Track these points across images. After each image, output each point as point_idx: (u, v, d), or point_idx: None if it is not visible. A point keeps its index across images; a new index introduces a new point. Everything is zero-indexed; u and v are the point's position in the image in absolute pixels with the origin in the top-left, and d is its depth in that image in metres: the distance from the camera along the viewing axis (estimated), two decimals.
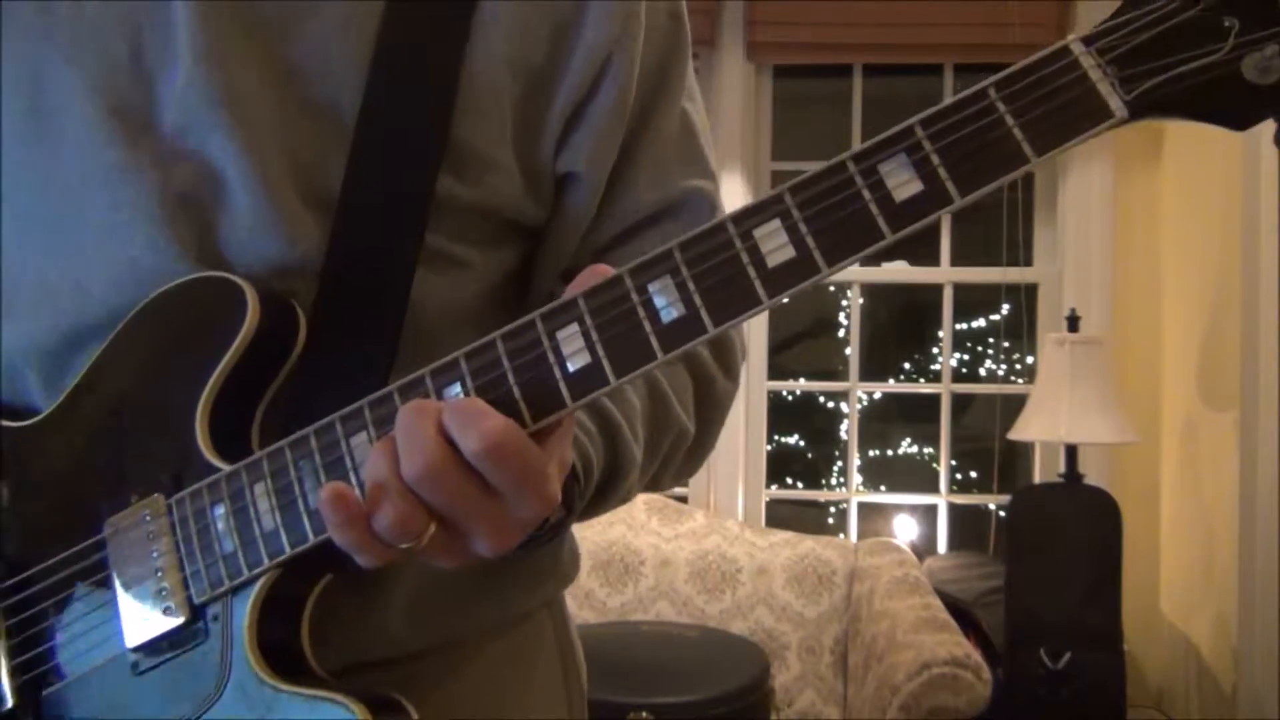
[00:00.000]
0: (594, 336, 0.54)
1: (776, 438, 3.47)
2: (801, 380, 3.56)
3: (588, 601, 2.84)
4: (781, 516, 3.32)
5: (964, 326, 3.44)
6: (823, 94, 3.46)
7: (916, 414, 3.50)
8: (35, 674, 0.66)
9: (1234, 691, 2.51)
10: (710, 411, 0.78)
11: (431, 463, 0.52)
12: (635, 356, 0.54)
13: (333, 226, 0.67)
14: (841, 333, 3.45)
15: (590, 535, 2.89)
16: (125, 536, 0.64)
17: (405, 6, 0.69)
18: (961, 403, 3.35)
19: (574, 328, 0.55)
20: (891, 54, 3.19)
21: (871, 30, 3.08)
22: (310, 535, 0.59)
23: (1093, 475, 2.78)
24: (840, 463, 3.47)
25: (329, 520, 0.55)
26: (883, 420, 3.59)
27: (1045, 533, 2.61)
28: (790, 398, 3.60)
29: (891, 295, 3.58)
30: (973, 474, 3.41)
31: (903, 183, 0.51)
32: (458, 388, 0.56)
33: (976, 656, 2.15)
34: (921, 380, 3.47)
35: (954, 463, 3.27)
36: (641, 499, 2.99)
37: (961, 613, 2.61)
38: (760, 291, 0.52)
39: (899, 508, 3.34)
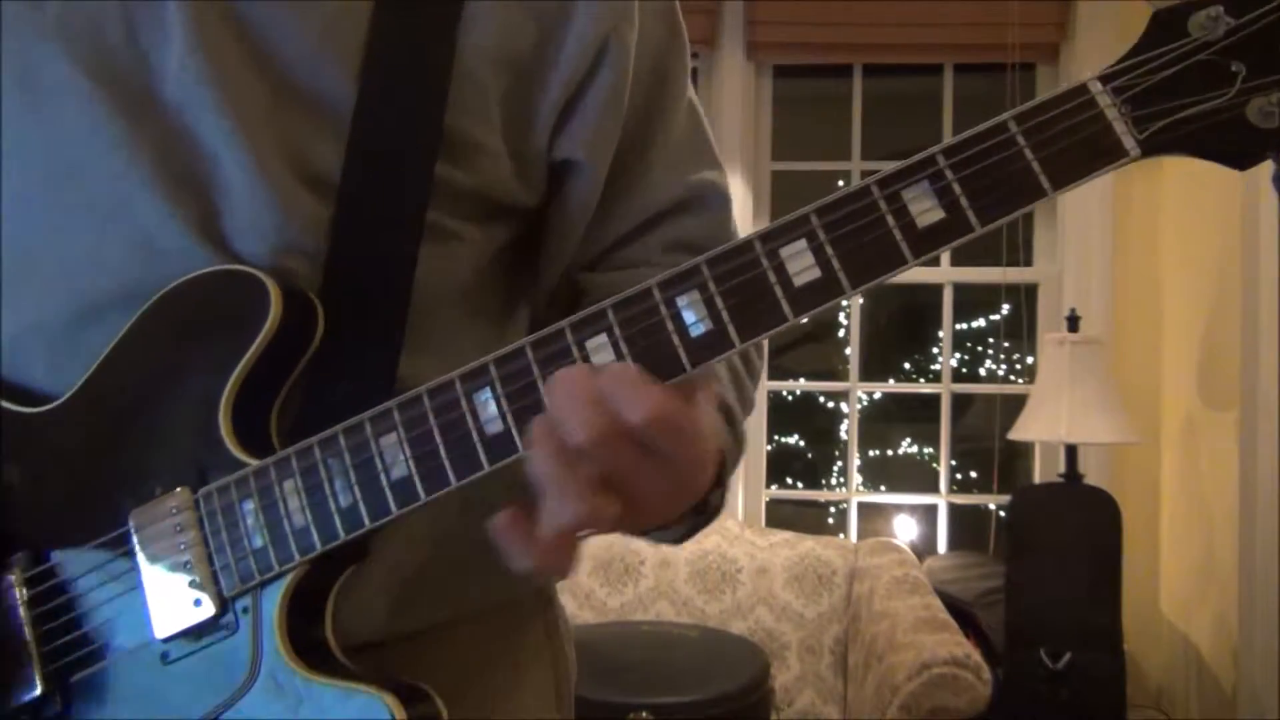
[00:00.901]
0: (623, 348, 0.55)
1: (776, 438, 3.47)
2: (801, 380, 3.56)
3: (588, 601, 2.84)
4: (781, 516, 3.32)
5: (964, 326, 3.44)
6: (823, 94, 3.46)
7: (916, 414, 3.50)
8: (64, 662, 0.67)
9: (1234, 691, 2.51)
10: (754, 380, 0.81)
11: (597, 430, 0.53)
12: (663, 368, 0.55)
13: (334, 216, 0.68)
14: (841, 333, 3.45)
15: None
16: (152, 529, 0.65)
17: (395, 2, 0.70)
18: (961, 403, 3.35)
19: (603, 338, 0.56)
20: (891, 54, 3.19)
21: (871, 30, 3.08)
22: (341, 533, 0.60)
23: (1093, 475, 2.78)
24: (840, 463, 3.47)
25: (509, 547, 0.56)
26: (883, 420, 3.59)
27: (1045, 533, 2.61)
28: (790, 398, 3.60)
29: (891, 295, 3.58)
30: (973, 474, 3.42)
31: (925, 210, 0.52)
32: (488, 393, 0.57)
33: (976, 656, 2.15)
34: (921, 380, 3.47)
35: (954, 463, 3.27)
36: None
37: (961, 613, 2.62)
38: (786, 309, 0.54)
39: (899, 508, 3.34)
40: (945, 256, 3.22)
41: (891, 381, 3.53)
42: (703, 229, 0.79)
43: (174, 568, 0.64)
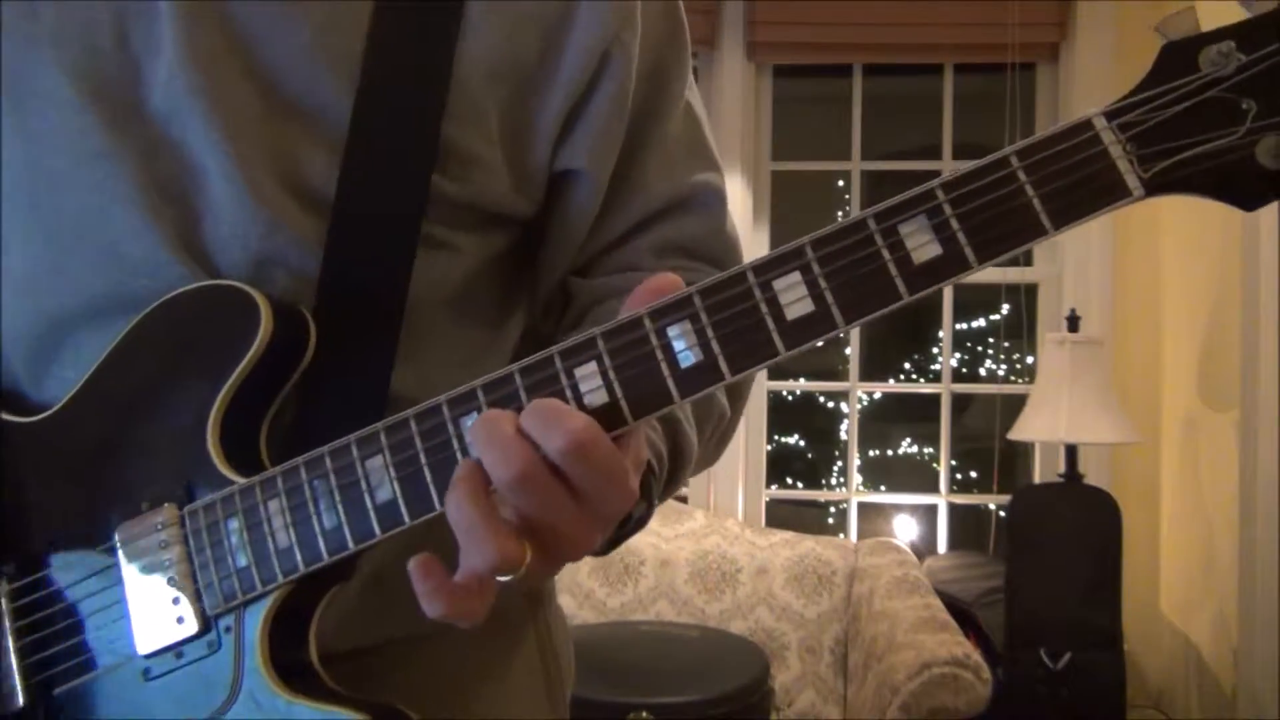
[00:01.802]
0: (611, 376, 0.55)
1: (776, 438, 3.47)
2: (801, 380, 3.56)
3: (588, 601, 2.84)
4: (781, 516, 3.32)
5: (964, 326, 3.44)
6: (823, 94, 3.46)
7: (916, 414, 3.50)
8: (46, 675, 0.67)
9: (1234, 691, 2.50)
10: (739, 392, 0.79)
11: (525, 468, 0.52)
12: (652, 399, 0.54)
13: (329, 230, 0.68)
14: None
15: None
16: (137, 544, 0.65)
17: (393, 11, 0.69)
18: (961, 403, 3.35)
19: (592, 366, 0.55)
20: (891, 54, 3.19)
21: (871, 30, 3.08)
22: (325, 554, 0.60)
23: (1093, 475, 2.78)
24: (840, 463, 3.47)
25: (421, 593, 0.54)
26: (883, 420, 3.59)
27: (1045, 533, 2.61)
28: (790, 398, 3.60)
29: None
30: (973, 474, 3.42)
31: (922, 244, 0.51)
32: (474, 418, 0.56)
33: (976, 656, 2.15)
34: (921, 380, 3.47)
35: (954, 463, 3.27)
36: None
37: (961, 613, 2.61)
38: (778, 343, 0.53)
39: (899, 508, 3.34)
40: None
41: (891, 381, 3.53)
42: (696, 230, 0.78)
43: (158, 584, 0.64)
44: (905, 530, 3.31)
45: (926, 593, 2.53)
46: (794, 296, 0.53)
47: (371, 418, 0.60)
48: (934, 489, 3.27)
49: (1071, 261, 3.09)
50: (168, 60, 0.67)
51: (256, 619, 0.62)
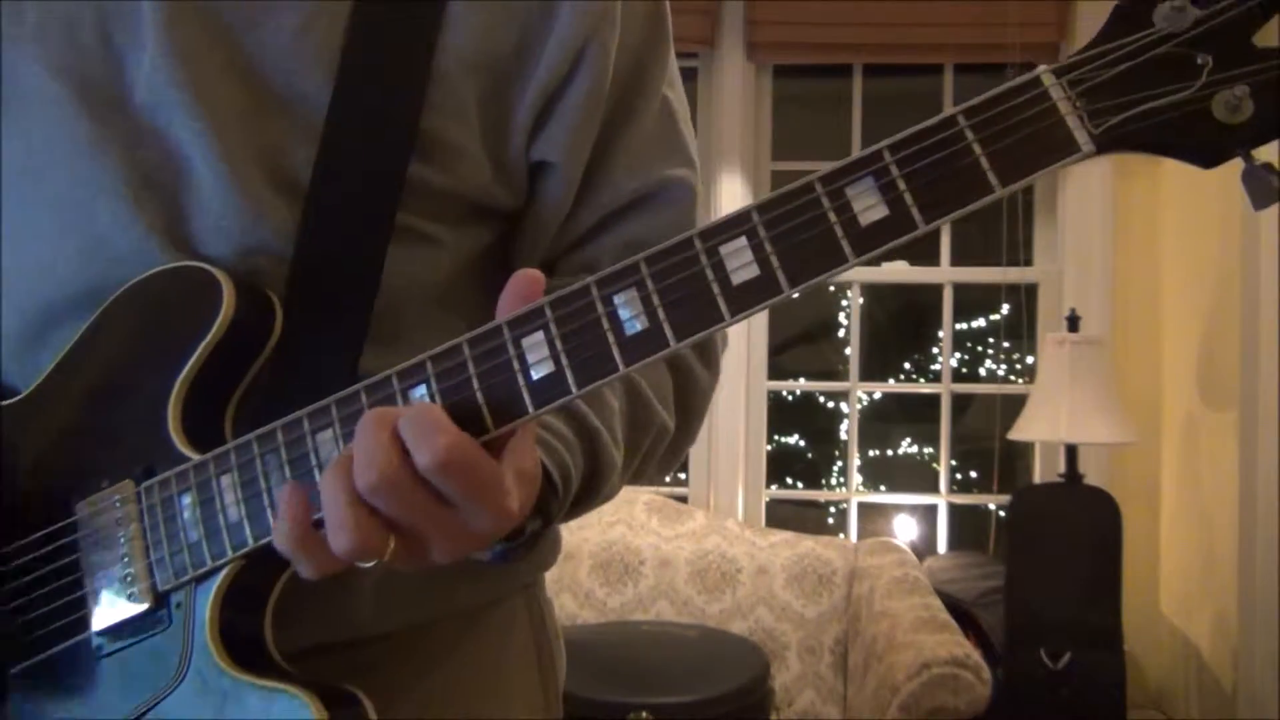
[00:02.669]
0: (558, 345, 0.55)
1: (776, 438, 3.47)
2: (801, 380, 3.56)
3: (588, 601, 2.84)
4: (781, 516, 3.32)
5: (964, 326, 3.44)
6: (823, 94, 3.46)
7: (916, 414, 3.50)
8: (3, 650, 0.67)
9: (1234, 691, 2.50)
10: (691, 404, 0.78)
11: (386, 475, 0.53)
12: (597, 367, 0.54)
13: (303, 216, 0.68)
14: (841, 333, 3.45)
15: (590, 535, 2.89)
16: (95, 521, 0.65)
17: (374, 4, 0.70)
18: (961, 403, 3.34)
19: (539, 335, 0.55)
20: (891, 54, 3.19)
21: (871, 30, 3.08)
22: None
23: (1093, 475, 2.78)
24: (840, 463, 3.47)
25: (278, 516, 0.56)
26: (883, 420, 3.59)
27: (1045, 533, 2.61)
28: (790, 398, 3.60)
29: (891, 295, 3.58)
30: (973, 474, 3.42)
31: (869, 207, 0.51)
32: (423, 390, 0.57)
33: (976, 656, 2.15)
34: (921, 380, 3.47)
35: (954, 463, 3.27)
36: (642, 499, 2.99)
37: (961, 613, 2.61)
38: (724, 309, 0.52)
39: (899, 508, 3.34)
40: (945, 256, 3.22)
41: (891, 381, 3.52)
42: (661, 225, 0.77)
43: (113, 560, 0.64)
44: (905, 530, 3.31)
45: (926, 593, 2.53)
46: (739, 261, 0.52)
47: None
48: (934, 489, 3.27)
49: (1071, 261, 3.09)
50: (150, 54, 0.67)
51: (207, 596, 0.62)
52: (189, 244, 0.68)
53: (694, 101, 3.09)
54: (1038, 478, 3.16)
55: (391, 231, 0.69)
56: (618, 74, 0.75)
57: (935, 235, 3.21)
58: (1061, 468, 2.66)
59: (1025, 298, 3.14)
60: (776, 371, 3.37)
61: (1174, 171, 2.99)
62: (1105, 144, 0.49)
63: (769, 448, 3.32)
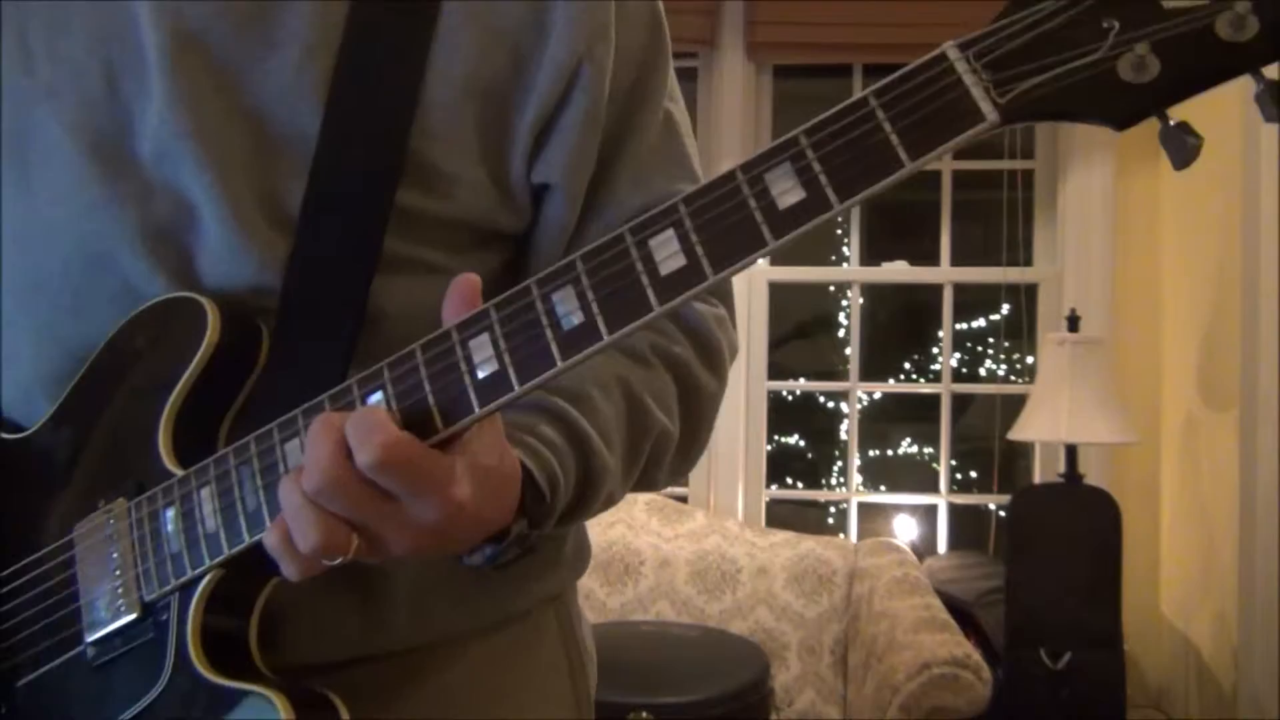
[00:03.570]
0: (501, 345, 0.56)
1: (776, 438, 3.47)
2: (801, 380, 3.56)
3: (588, 601, 2.84)
4: (781, 516, 3.32)
5: (964, 326, 3.44)
6: (823, 94, 3.46)
7: (916, 414, 3.50)
8: (8, 666, 0.70)
9: (1234, 691, 2.51)
10: (697, 411, 0.79)
11: (328, 477, 0.55)
12: (537, 364, 0.56)
13: (291, 244, 0.69)
14: (841, 333, 3.45)
15: (590, 535, 2.89)
16: (90, 539, 0.68)
17: (363, 33, 0.70)
18: (961, 403, 3.35)
19: (485, 336, 0.57)
20: (891, 54, 3.18)
21: (871, 30, 3.08)
22: (246, 536, 0.62)
23: (1093, 475, 2.78)
24: (840, 463, 3.47)
25: (270, 527, 0.59)
26: (883, 420, 3.59)
27: (1045, 533, 2.61)
28: (790, 398, 3.60)
29: (891, 295, 3.58)
30: (973, 474, 3.42)
31: (786, 190, 0.52)
32: (379, 395, 0.59)
33: (976, 656, 2.15)
34: (921, 380, 3.47)
35: (954, 463, 3.27)
36: (642, 499, 2.99)
37: (961, 613, 2.61)
38: (652, 299, 0.54)
39: (899, 508, 3.34)
40: (945, 256, 3.22)
41: (891, 381, 3.53)
42: None
43: (105, 574, 0.67)
44: (905, 530, 3.31)
45: (926, 593, 2.53)
46: (667, 252, 0.54)
47: None
48: (934, 489, 3.27)
49: (1071, 261, 3.09)
50: (156, 105, 0.69)
51: (190, 604, 0.64)
52: (200, 289, 0.70)
53: (694, 101, 3.09)
54: (1038, 478, 3.16)
55: (378, 258, 0.70)
56: (618, 88, 0.75)
57: (935, 235, 3.21)
58: (1061, 468, 2.66)
59: (1025, 298, 3.14)
60: (776, 371, 3.37)
61: (1174, 172, 2.98)
62: (1011, 113, 0.49)
63: (769, 448, 3.32)
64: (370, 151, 0.69)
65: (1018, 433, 2.72)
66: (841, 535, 3.24)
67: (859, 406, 3.34)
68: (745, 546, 2.89)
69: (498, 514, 0.61)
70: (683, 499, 3.16)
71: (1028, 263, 3.18)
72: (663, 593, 2.85)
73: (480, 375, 0.57)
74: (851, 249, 3.29)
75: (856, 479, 3.33)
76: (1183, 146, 0.49)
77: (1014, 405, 2.91)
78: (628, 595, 2.85)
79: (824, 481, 3.59)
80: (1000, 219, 3.13)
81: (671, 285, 0.54)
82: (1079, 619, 2.52)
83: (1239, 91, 0.54)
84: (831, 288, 3.44)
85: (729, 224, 0.53)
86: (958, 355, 3.39)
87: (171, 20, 0.69)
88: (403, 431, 0.55)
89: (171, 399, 0.68)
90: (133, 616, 0.66)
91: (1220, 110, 2.37)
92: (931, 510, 3.28)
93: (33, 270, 0.73)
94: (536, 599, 0.82)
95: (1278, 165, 2.30)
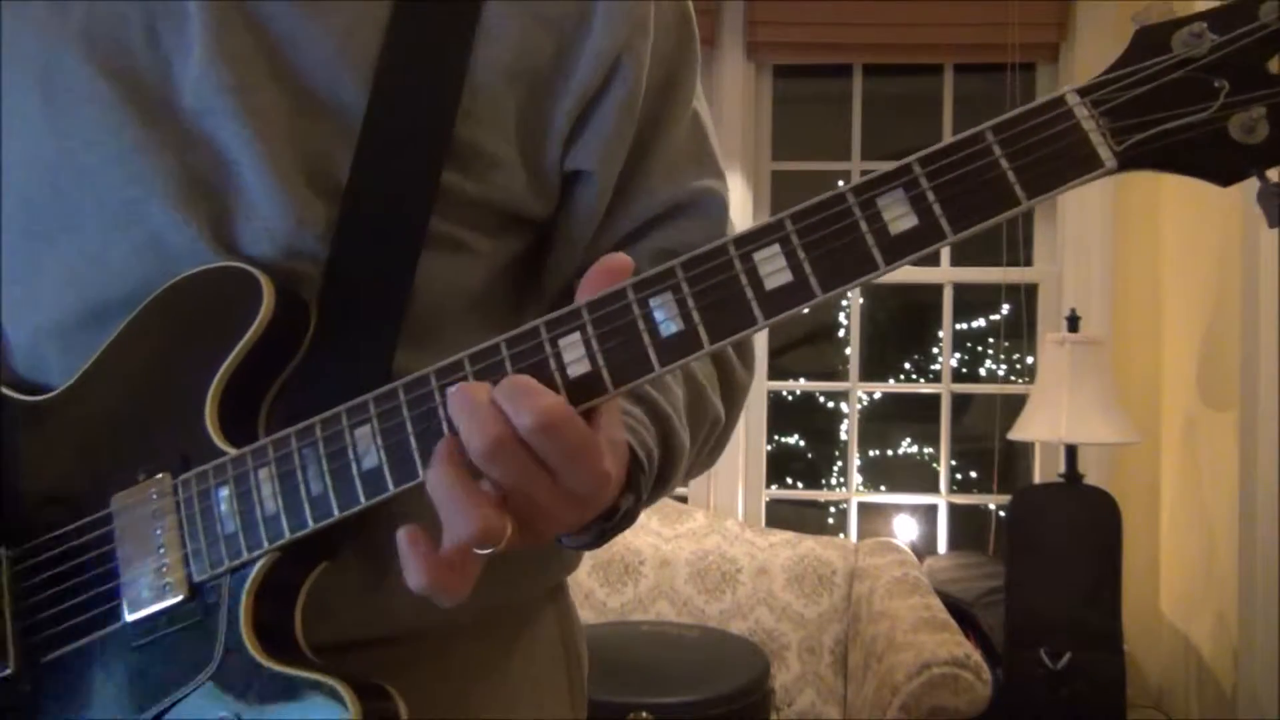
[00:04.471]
0: (595, 346, 0.56)
1: (776, 438, 3.47)
2: (801, 380, 3.56)
3: (588, 601, 2.84)
4: (781, 516, 3.32)
5: (964, 326, 3.44)
6: (823, 94, 3.46)
7: (916, 414, 3.50)
8: (35, 640, 0.68)
9: (1234, 691, 2.51)
10: (733, 399, 0.80)
11: (490, 436, 0.54)
12: (633, 368, 0.56)
13: (338, 218, 0.69)
14: (841, 333, 3.45)
15: None
16: (131, 513, 0.66)
17: (411, 12, 0.71)
18: (961, 403, 3.35)
19: (576, 336, 0.57)
20: (891, 54, 3.19)
21: (871, 30, 3.08)
22: (310, 522, 0.61)
23: (1093, 475, 2.78)
24: (840, 463, 3.47)
25: (406, 562, 0.56)
26: (883, 420, 3.59)
27: (1045, 533, 2.61)
28: (790, 398, 3.60)
29: (891, 295, 3.58)
30: (973, 474, 3.42)
31: (899, 216, 0.53)
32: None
33: (976, 656, 2.15)
34: (921, 380, 3.47)
35: (954, 463, 3.27)
36: None
37: (961, 613, 2.62)
38: (756, 312, 0.54)
39: (899, 508, 3.34)
40: (945, 256, 3.22)
41: (891, 381, 3.53)
42: (695, 235, 0.78)
43: (148, 551, 0.65)
44: (905, 530, 3.31)
45: (926, 593, 2.53)
46: (773, 267, 0.54)
47: None
48: (934, 489, 3.27)
49: (1071, 261, 3.09)
50: (197, 58, 0.68)
51: (242, 588, 0.63)
52: (235, 244, 0.69)
53: None
54: (1038, 478, 3.16)
55: (424, 237, 0.70)
56: (651, 82, 0.77)
57: None
58: (1061, 468, 2.66)
59: (1025, 298, 3.14)
60: (776, 371, 3.37)
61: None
62: (1127, 161, 0.51)
63: (769, 448, 3.32)
64: (417, 130, 0.70)
65: (1018, 433, 2.72)
66: (841, 535, 3.24)
67: (859, 406, 3.34)
68: (745, 546, 2.89)
69: (616, 490, 0.61)
70: (683, 499, 3.16)
71: (1028, 263, 3.18)
72: (663, 593, 2.85)
73: (571, 374, 0.56)
74: None
75: (856, 479, 3.33)
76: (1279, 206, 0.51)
77: (1014, 405, 2.91)
78: (628, 595, 2.85)
79: (824, 481, 3.59)
80: None
81: (776, 299, 0.54)
82: (1079, 619, 2.52)
83: None
84: None
85: (838, 245, 0.54)
86: (958, 355, 3.40)
87: None
88: (559, 396, 0.55)
89: (220, 372, 0.66)
90: (180, 598, 0.64)
91: None
92: (931, 510, 3.28)
93: (66, 214, 0.71)
94: (541, 588, 0.82)
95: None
